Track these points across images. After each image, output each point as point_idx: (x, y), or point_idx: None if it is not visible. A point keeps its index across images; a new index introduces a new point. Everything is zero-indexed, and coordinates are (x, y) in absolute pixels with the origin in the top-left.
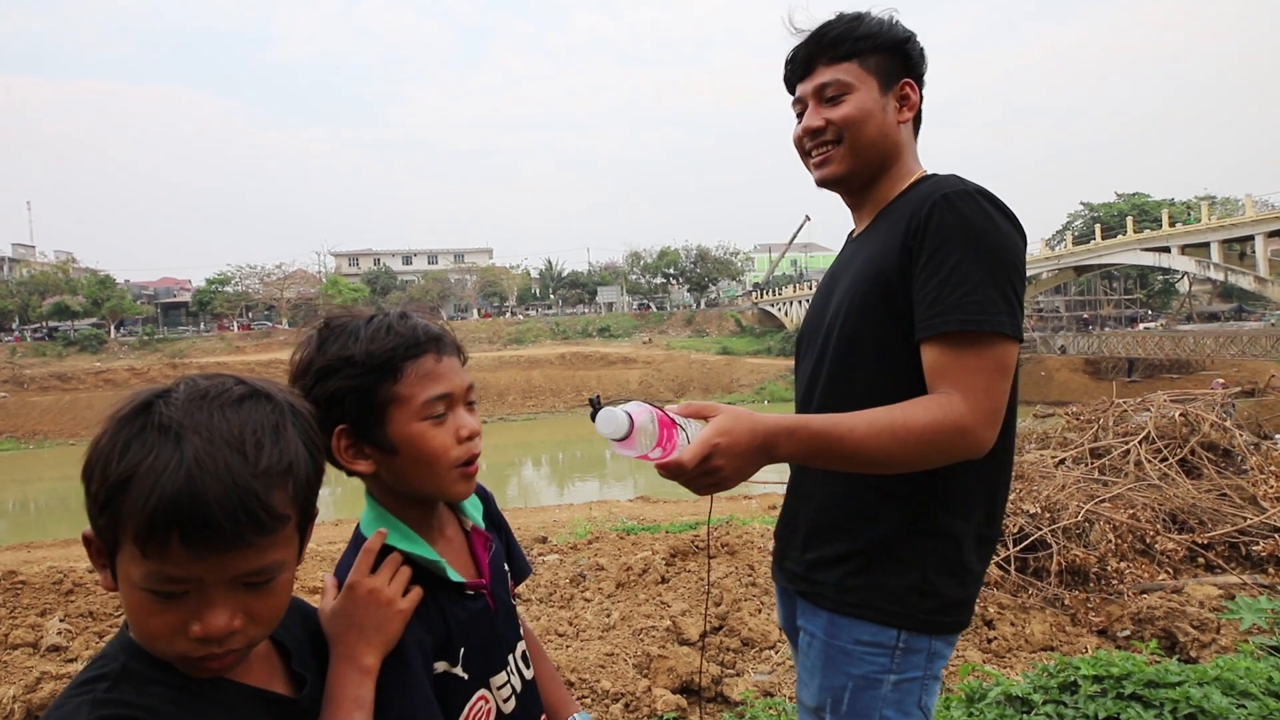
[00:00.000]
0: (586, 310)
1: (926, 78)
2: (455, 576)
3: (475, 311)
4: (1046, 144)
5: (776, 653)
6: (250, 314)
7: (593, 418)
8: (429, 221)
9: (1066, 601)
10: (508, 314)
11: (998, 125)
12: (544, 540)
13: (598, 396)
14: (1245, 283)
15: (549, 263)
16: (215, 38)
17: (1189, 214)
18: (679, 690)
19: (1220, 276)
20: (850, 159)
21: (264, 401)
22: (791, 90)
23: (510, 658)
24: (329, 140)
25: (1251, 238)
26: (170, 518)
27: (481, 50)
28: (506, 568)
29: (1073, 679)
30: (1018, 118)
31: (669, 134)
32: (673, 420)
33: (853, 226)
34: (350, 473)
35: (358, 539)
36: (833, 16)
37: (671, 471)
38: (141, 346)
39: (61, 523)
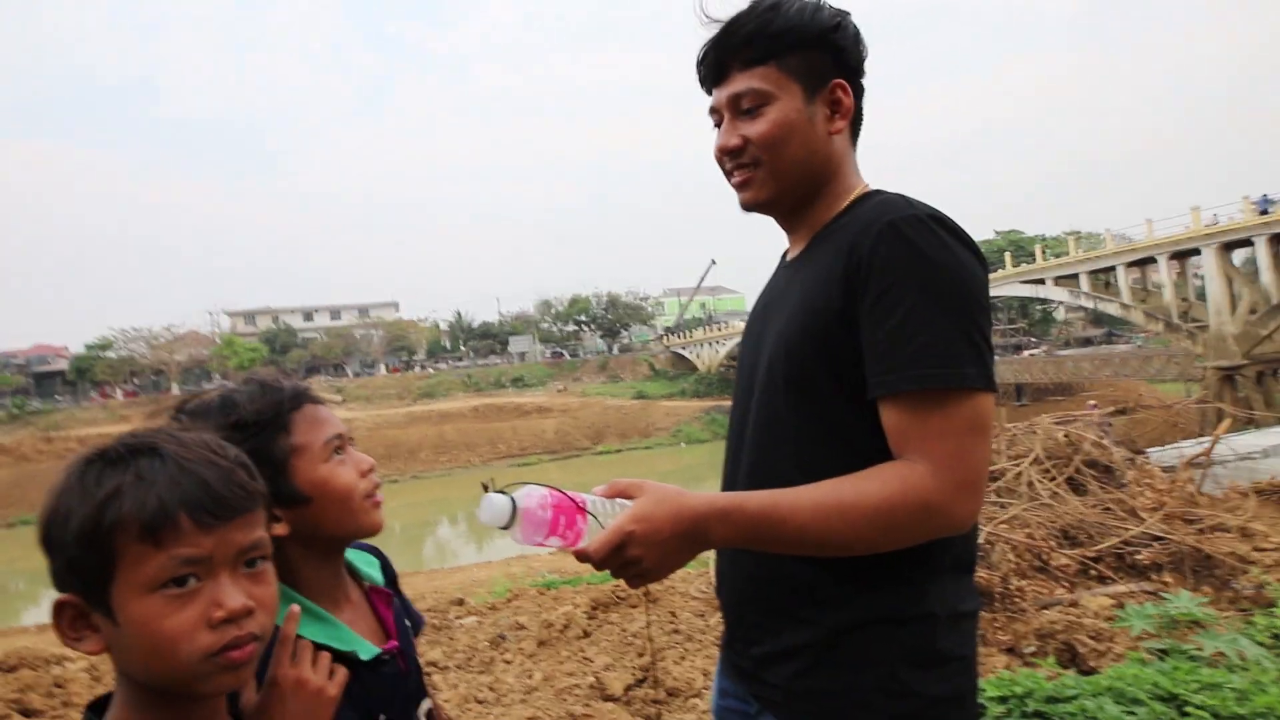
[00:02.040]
0: (499, 361)
1: (867, 65)
2: (369, 653)
3: (383, 367)
4: (935, 184)
5: (702, 700)
6: (136, 380)
7: None
8: (331, 276)
9: None
10: (417, 368)
11: (887, 171)
12: (461, 602)
13: (490, 481)
14: (1112, 309)
15: (458, 314)
16: (98, 90)
17: (1058, 249)
18: None
19: (1090, 304)
20: (773, 182)
21: (203, 430)
22: (708, 92)
23: (418, 713)
24: (223, 194)
25: (1114, 268)
26: (176, 500)
27: (382, 103)
28: (408, 623)
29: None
30: (907, 161)
31: (577, 185)
32: (578, 505)
33: (785, 247)
34: None
35: None
36: (746, 5)
37: (583, 560)
38: (11, 421)
39: None
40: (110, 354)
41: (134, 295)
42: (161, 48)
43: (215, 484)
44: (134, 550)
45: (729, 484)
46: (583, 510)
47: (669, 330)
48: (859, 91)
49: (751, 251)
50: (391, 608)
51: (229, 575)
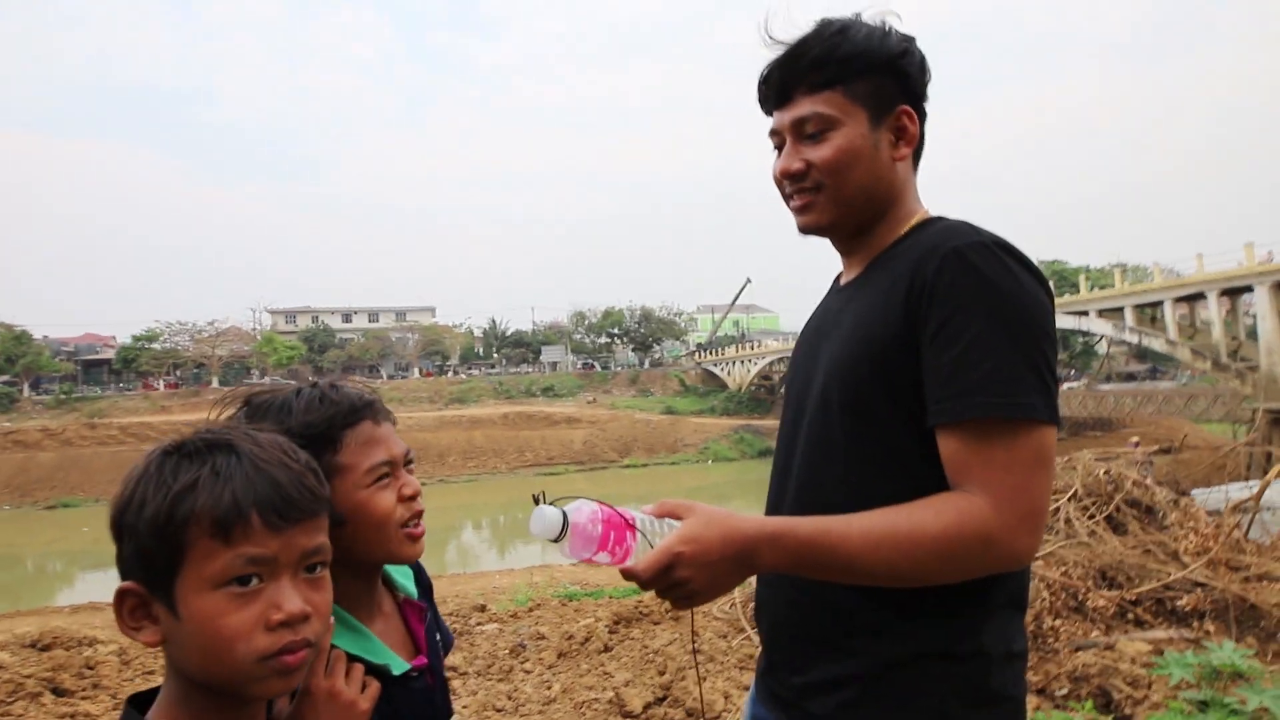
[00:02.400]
0: (530, 370)
1: (931, 92)
2: (400, 668)
3: (417, 370)
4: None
5: None
6: (179, 372)
7: None
8: (370, 280)
9: None
10: (450, 373)
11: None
12: (483, 609)
13: (541, 494)
14: (1157, 345)
15: (493, 321)
16: (157, 94)
17: (1102, 281)
18: None
19: (1134, 339)
20: (834, 208)
21: (269, 431)
22: (768, 114)
23: None
24: (269, 198)
25: (1161, 303)
26: (250, 499)
27: (427, 113)
28: (438, 638)
29: None
30: (948, 188)
31: (613, 197)
32: (628, 522)
33: (839, 271)
34: None
35: None
36: (813, 28)
37: (630, 578)
38: (57, 406)
39: None
40: (155, 346)
41: (181, 291)
42: (217, 55)
43: (287, 485)
44: (204, 544)
45: (774, 506)
46: (633, 528)
47: (701, 347)
48: (923, 117)
49: (787, 272)
50: (424, 622)
51: (290, 578)
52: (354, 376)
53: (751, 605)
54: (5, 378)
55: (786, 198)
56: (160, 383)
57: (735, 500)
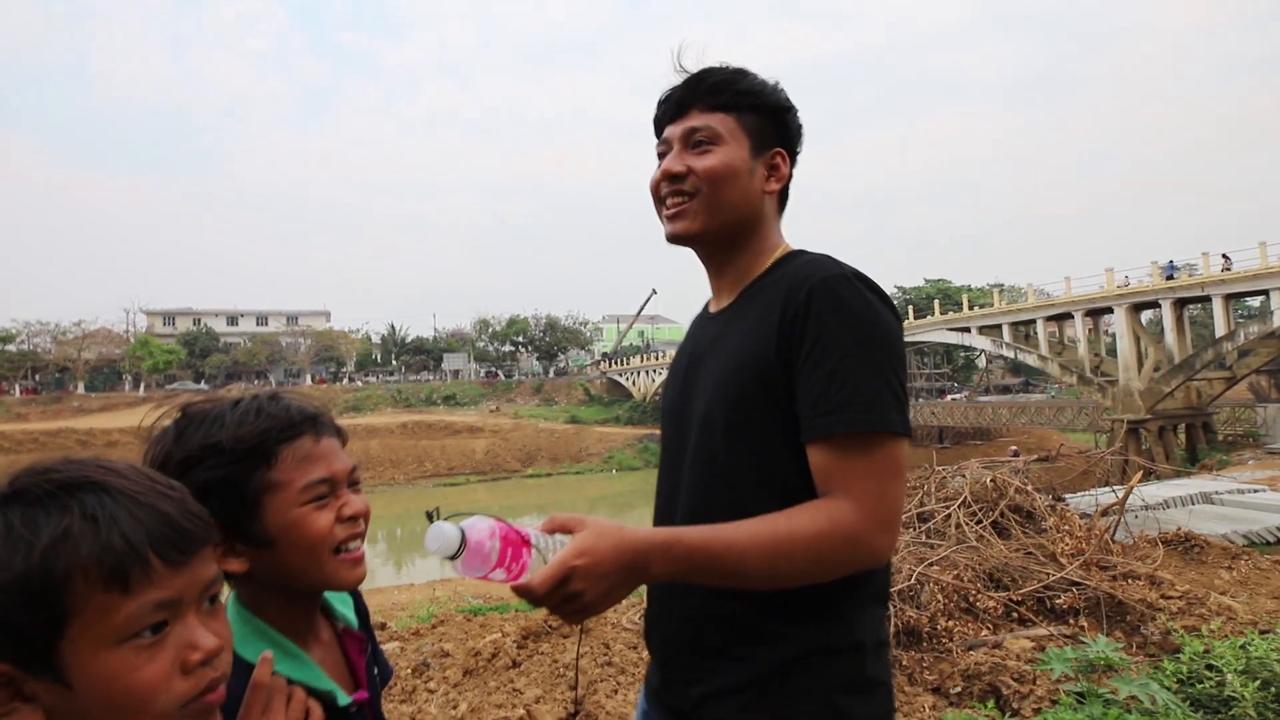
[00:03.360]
0: (431, 378)
1: (799, 159)
2: (344, 700)
3: (309, 377)
4: (862, 232)
5: None
6: (38, 376)
7: None
8: (262, 282)
9: (904, 661)
10: (345, 380)
11: (824, 215)
12: (383, 626)
13: (435, 510)
14: (1031, 360)
15: (392, 327)
16: (19, 72)
17: (983, 300)
18: None
19: (1011, 354)
20: (706, 216)
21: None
22: (659, 133)
23: None
24: (149, 190)
25: (1034, 321)
26: (142, 538)
27: (326, 112)
28: (376, 671)
29: None
30: (839, 208)
31: (519, 205)
32: (524, 538)
33: (708, 299)
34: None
35: (242, 668)
36: (717, 65)
37: (524, 595)
38: None
39: None
40: (10, 348)
41: (45, 288)
42: (95, 31)
43: (177, 517)
44: (96, 600)
45: (663, 523)
46: (528, 544)
47: (606, 356)
48: (792, 166)
49: (692, 285)
50: (364, 654)
51: (195, 613)
52: (238, 384)
53: None
54: None
55: (660, 202)
56: (16, 387)
57: (640, 509)
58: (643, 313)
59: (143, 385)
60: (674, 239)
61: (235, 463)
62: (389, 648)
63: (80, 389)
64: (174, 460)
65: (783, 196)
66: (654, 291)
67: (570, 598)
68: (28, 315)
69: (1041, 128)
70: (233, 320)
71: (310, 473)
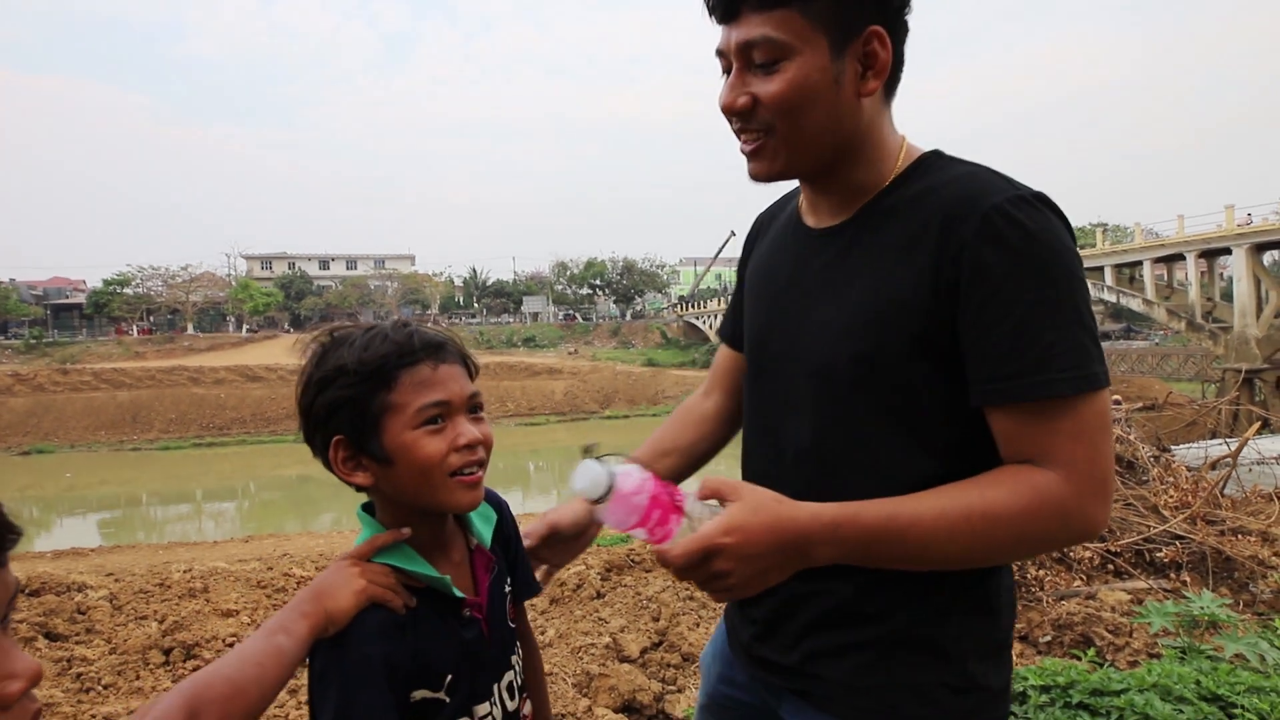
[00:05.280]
0: (511, 320)
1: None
2: (458, 592)
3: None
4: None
5: None
6: (152, 318)
7: None
8: (349, 227)
9: None
10: (430, 322)
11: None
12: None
13: (593, 445)
14: (1135, 304)
15: (473, 271)
16: (123, 28)
17: (1084, 240)
18: (621, 709)
19: (1113, 298)
20: (789, 154)
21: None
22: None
23: (495, 687)
24: (242, 140)
25: (1140, 263)
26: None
27: (406, 55)
28: (507, 589)
29: (1021, 689)
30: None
31: (597, 145)
32: (676, 504)
33: (793, 201)
34: (351, 485)
35: None
36: None
37: (664, 563)
38: (28, 350)
39: None
40: (127, 291)
41: (152, 234)
42: None
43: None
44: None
45: (765, 473)
46: (679, 509)
47: (683, 299)
48: (901, 33)
49: None
50: (489, 572)
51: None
52: (337, 323)
53: None
54: None
55: (736, 133)
56: (134, 328)
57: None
58: (720, 255)
59: (244, 326)
60: (757, 179)
61: (359, 384)
62: None
63: (189, 329)
64: (313, 380)
65: (894, 78)
66: (732, 233)
67: (715, 576)
68: (140, 260)
69: (1154, 50)
70: (324, 264)
71: (425, 396)
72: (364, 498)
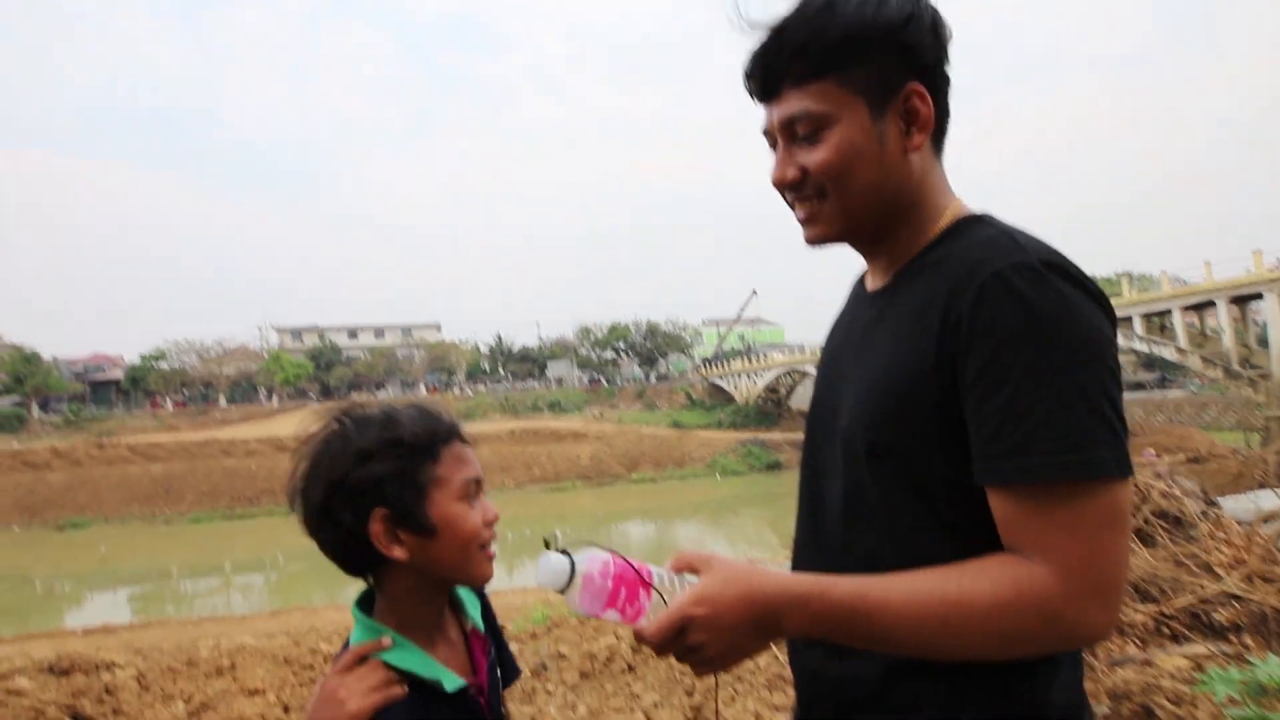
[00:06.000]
0: (536, 385)
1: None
2: (453, 685)
3: (423, 387)
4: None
5: None
6: (186, 391)
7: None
8: (376, 297)
9: None
10: (456, 389)
11: None
12: (500, 628)
13: (553, 536)
14: (1167, 353)
15: (498, 337)
16: (166, 114)
17: (1109, 290)
18: None
19: (1144, 348)
20: (843, 217)
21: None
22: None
23: None
24: (276, 215)
25: (1169, 311)
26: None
27: (432, 130)
28: (499, 672)
29: None
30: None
31: (617, 213)
32: (643, 578)
33: (865, 269)
34: (378, 562)
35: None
36: (795, 6)
37: (641, 640)
38: (66, 426)
39: None
40: (163, 365)
41: (188, 308)
42: (226, 76)
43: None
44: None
45: (805, 544)
46: (647, 584)
47: (707, 360)
48: (942, 86)
49: (793, 283)
50: (487, 654)
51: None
52: (359, 394)
53: None
54: (14, 398)
55: (790, 205)
56: (168, 402)
57: (742, 513)
58: (743, 315)
59: (275, 397)
60: (813, 244)
61: (409, 456)
62: None
63: (222, 402)
64: (350, 450)
65: (939, 131)
66: (754, 293)
67: (690, 649)
68: (175, 334)
69: (1155, 98)
70: (353, 334)
71: (465, 471)
72: (358, 586)
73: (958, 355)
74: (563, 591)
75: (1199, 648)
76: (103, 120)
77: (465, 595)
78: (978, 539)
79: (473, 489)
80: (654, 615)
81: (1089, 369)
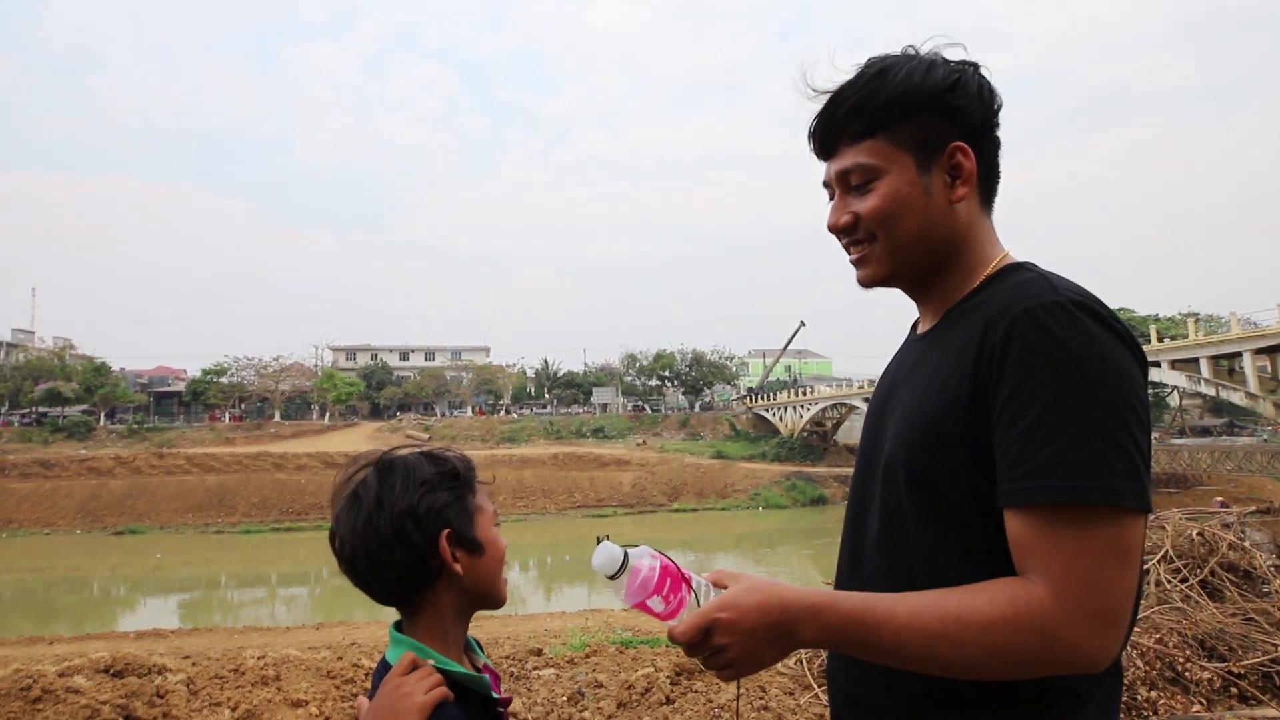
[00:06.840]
0: (581, 411)
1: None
2: (494, 694)
3: (470, 409)
4: (1052, 260)
5: None
6: (243, 405)
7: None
8: (428, 321)
9: None
10: (502, 412)
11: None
12: (539, 653)
13: (606, 536)
14: (1236, 398)
15: (545, 362)
16: (239, 142)
17: (1174, 331)
18: None
19: (1211, 391)
20: (891, 260)
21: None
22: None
23: None
24: (335, 240)
25: (1239, 354)
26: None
27: (488, 162)
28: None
29: None
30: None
31: (666, 243)
32: (684, 576)
33: (918, 316)
34: (430, 582)
35: (384, 669)
36: (853, 74)
37: (673, 639)
38: (130, 435)
39: (26, 618)
40: (223, 380)
41: (249, 327)
42: (295, 107)
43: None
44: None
45: (845, 570)
46: (688, 582)
47: (752, 391)
48: (990, 147)
49: (840, 317)
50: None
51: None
52: (408, 414)
53: (819, 660)
54: (84, 407)
55: (845, 248)
56: (226, 415)
57: (785, 546)
58: (790, 347)
59: (327, 415)
60: (865, 285)
61: (461, 485)
62: (545, 674)
63: (277, 417)
64: (414, 480)
65: (988, 187)
66: (802, 324)
67: (715, 651)
68: (236, 351)
69: (1214, 137)
70: (404, 355)
71: (491, 503)
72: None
73: (989, 385)
74: (612, 578)
75: (1271, 710)
76: (178, 147)
77: (470, 640)
78: (1006, 567)
79: (498, 517)
80: (685, 615)
81: (1112, 403)
